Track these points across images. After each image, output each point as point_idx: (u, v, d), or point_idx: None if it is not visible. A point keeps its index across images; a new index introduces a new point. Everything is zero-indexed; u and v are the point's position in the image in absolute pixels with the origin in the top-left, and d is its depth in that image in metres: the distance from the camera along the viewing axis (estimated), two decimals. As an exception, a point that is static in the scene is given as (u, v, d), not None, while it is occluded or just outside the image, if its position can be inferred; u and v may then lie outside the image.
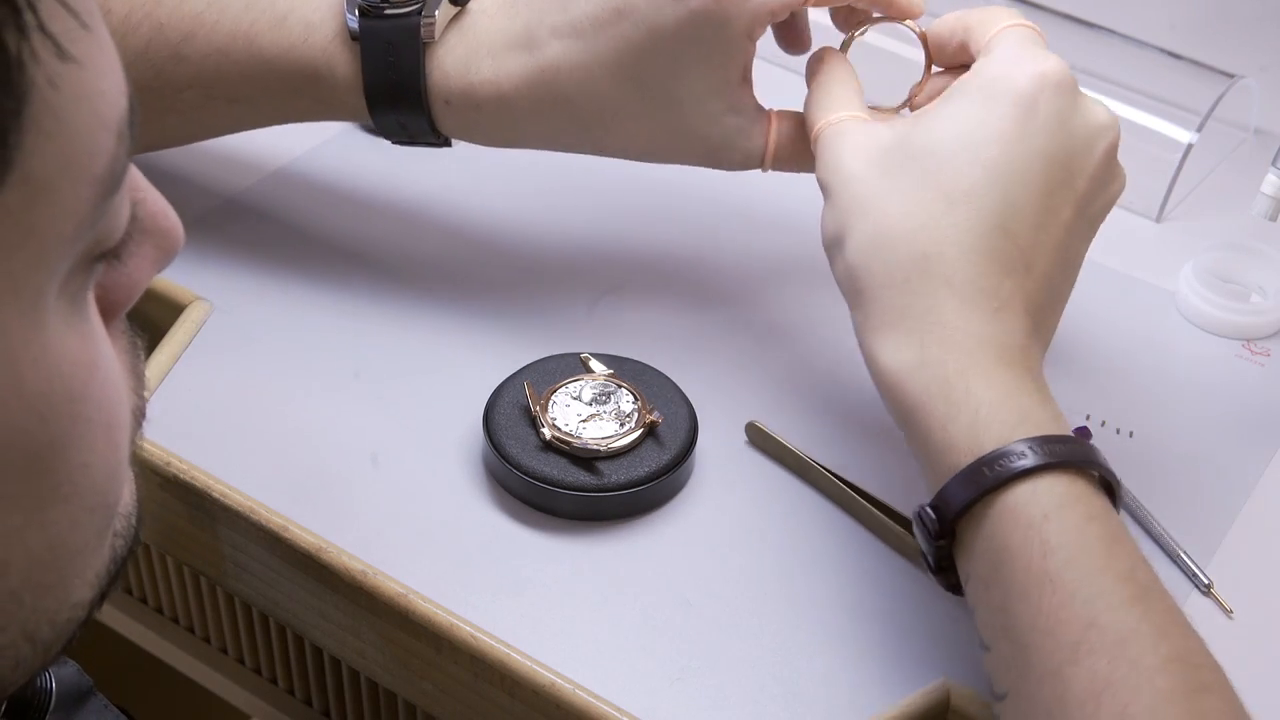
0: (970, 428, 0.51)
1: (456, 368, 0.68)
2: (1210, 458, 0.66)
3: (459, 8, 0.65)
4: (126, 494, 0.41)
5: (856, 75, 0.63)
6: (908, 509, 0.61)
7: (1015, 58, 0.57)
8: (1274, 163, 0.70)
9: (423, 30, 0.63)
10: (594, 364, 0.64)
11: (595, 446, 0.60)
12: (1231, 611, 0.59)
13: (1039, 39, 0.59)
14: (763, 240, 0.77)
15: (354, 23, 0.64)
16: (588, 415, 0.62)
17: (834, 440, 0.65)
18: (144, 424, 0.41)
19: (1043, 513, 0.48)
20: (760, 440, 0.65)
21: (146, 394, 0.41)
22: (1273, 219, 0.70)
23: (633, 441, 0.61)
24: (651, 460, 0.61)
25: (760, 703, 0.55)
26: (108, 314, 0.38)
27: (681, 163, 0.66)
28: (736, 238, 0.77)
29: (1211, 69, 0.82)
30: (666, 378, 0.65)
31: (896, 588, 0.59)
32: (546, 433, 0.61)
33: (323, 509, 0.60)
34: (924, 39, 0.63)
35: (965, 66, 0.60)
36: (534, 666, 0.55)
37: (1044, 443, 0.50)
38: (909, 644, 0.57)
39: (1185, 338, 0.72)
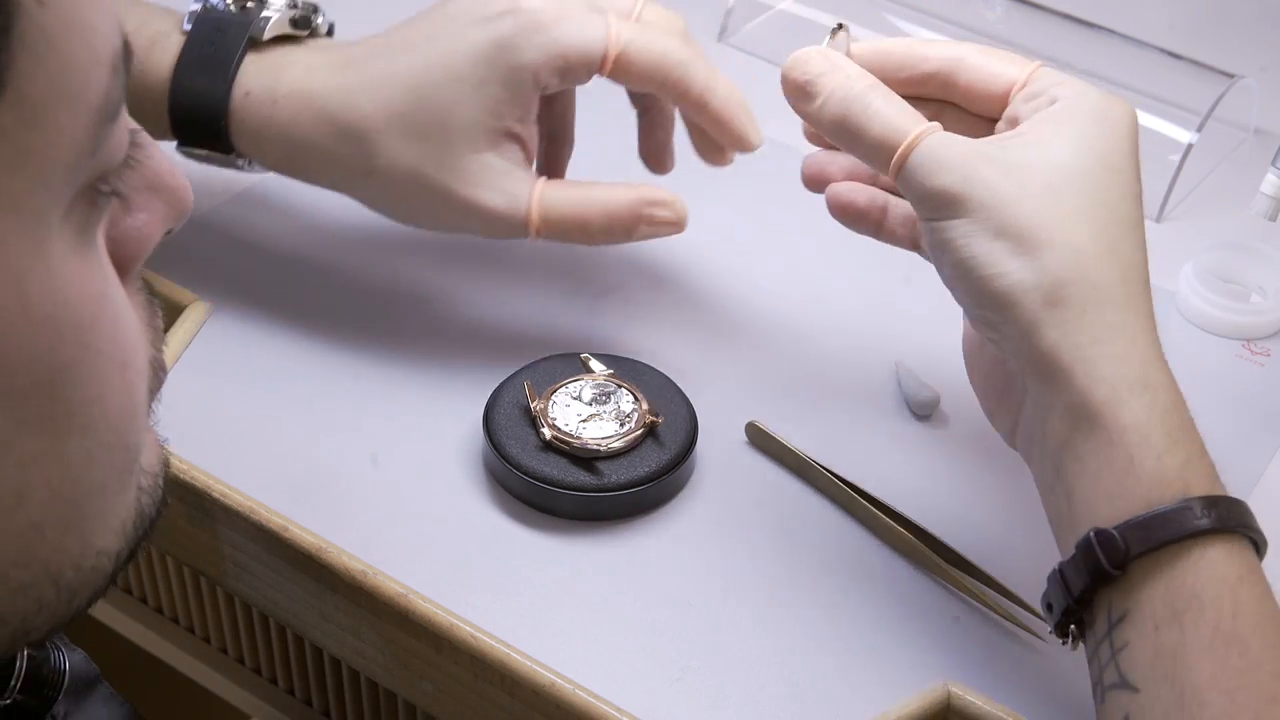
0: (1185, 466, 0.50)
1: (456, 368, 0.68)
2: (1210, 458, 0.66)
3: (301, 32, 0.66)
4: (150, 452, 0.42)
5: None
6: (907, 509, 0.61)
7: (1096, 91, 0.56)
8: (1274, 162, 0.70)
9: (254, 26, 0.65)
10: (594, 364, 0.64)
11: (595, 446, 0.60)
12: (1231, 611, 0.59)
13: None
14: (763, 240, 0.77)
15: (194, 6, 0.66)
16: (588, 415, 0.62)
17: (834, 440, 0.65)
18: (163, 383, 0.42)
19: (1238, 574, 0.48)
20: (760, 440, 0.65)
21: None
22: (1272, 219, 0.70)
23: (633, 441, 0.61)
24: (651, 460, 0.61)
25: (760, 703, 0.55)
26: (121, 268, 0.39)
27: (446, 217, 0.65)
28: (737, 237, 0.77)
29: (1211, 69, 0.82)
30: (666, 378, 0.65)
31: (896, 588, 0.59)
32: (546, 433, 0.61)
33: (323, 509, 0.60)
34: (635, 393, 0.63)
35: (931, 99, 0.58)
36: (534, 666, 0.55)
37: (1236, 504, 0.49)
38: (909, 644, 0.57)
39: (1185, 338, 0.72)
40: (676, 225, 0.63)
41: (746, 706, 0.55)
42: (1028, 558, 0.60)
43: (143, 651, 0.74)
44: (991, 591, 0.58)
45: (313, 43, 0.67)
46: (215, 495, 0.60)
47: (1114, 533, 0.49)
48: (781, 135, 0.85)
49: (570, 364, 0.65)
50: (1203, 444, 0.51)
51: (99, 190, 0.36)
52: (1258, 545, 0.50)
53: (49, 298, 0.35)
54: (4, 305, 0.34)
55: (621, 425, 0.61)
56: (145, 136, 0.40)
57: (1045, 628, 0.57)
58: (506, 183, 0.63)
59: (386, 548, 0.59)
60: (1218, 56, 0.84)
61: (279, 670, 0.70)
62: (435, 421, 0.65)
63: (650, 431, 0.62)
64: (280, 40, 0.66)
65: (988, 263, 0.52)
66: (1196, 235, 0.78)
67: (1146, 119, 0.82)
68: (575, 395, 0.63)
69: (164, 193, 0.41)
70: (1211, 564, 0.48)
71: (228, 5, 0.66)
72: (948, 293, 0.74)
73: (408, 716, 0.65)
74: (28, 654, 0.48)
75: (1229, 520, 0.48)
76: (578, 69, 0.63)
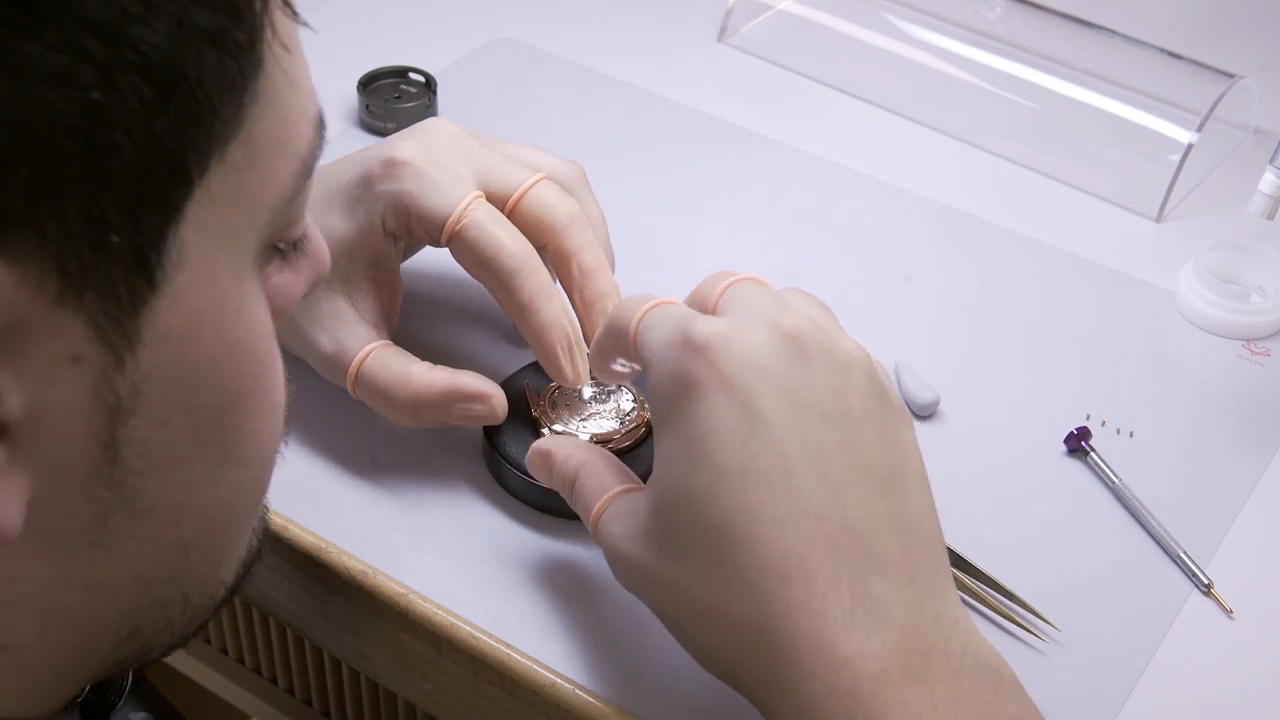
0: None
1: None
2: (1210, 458, 0.66)
3: None
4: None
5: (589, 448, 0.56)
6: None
7: (658, 355, 0.50)
8: (1272, 161, 0.70)
9: None
10: (594, 364, 0.64)
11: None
12: (1231, 611, 0.59)
13: (669, 312, 0.52)
14: (763, 240, 0.77)
15: None
16: (588, 414, 0.62)
17: (834, 440, 0.65)
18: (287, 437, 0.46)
19: None
20: (760, 440, 0.64)
21: None
22: (1271, 217, 0.71)
23: (633, 440, 0.61)
24: (652, 459, 0.61)
25: (760, 703, 0.55)
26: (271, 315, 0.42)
27: (288, 340, 0.61)
28: (737, 237, 0.77)
29: (1211, 69, 0.82)
30: (666, 378, 0.65)
31: (896, 588, 0.59)
32: (546, 433, 0.61)
33: (323, 509, 0.60)
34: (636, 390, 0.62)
35: None
36: (534, 666, 0.55)
37: None
38: (909, 644, 0.57)
39: (1185, 338, 0.72)
40: (491, 419, 0.60)
41: (746, 706, 0.54)
42: (1028, 558, 0.60)
43: (143, 651, 0.74)
44: (991, 591, 0.58)
45: None
46: (215, 495, 0.60)
47: None
48: (784, 136, 0.85)
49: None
50: None
51: (275, 245, 0.40)
52: None
53: (241, 326, 0.39)
54: (205, 326, 0.37)
55: (621, 424, 0.61)
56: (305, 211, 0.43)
57: (1045, 627, 0.57)
58: (342, 332, 0.61)
59: (386, 548, 0.59)
60: (1218, 56, 0.84)
61: (279, 670, 0.70)
62: (435, 421, 0.65)
63: (650, 430, 0.62)
64: None
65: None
66: (1196, 235, 0.78)
67: (1146, 119, 0.83)
68: (575, 395, 0.63)
69: (314, 260, 0.46)
70: None
71: None
72: (948, 293, 0.74)
73: (408, 716, 0.65)
74: None
75: None
76: (417, 228, 0.61)
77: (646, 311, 0.51)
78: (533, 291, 0.59)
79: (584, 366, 0.61)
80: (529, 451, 0.57)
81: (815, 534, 0.45)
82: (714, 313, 0.50)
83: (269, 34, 0.36)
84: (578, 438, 0.59)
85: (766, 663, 0.45)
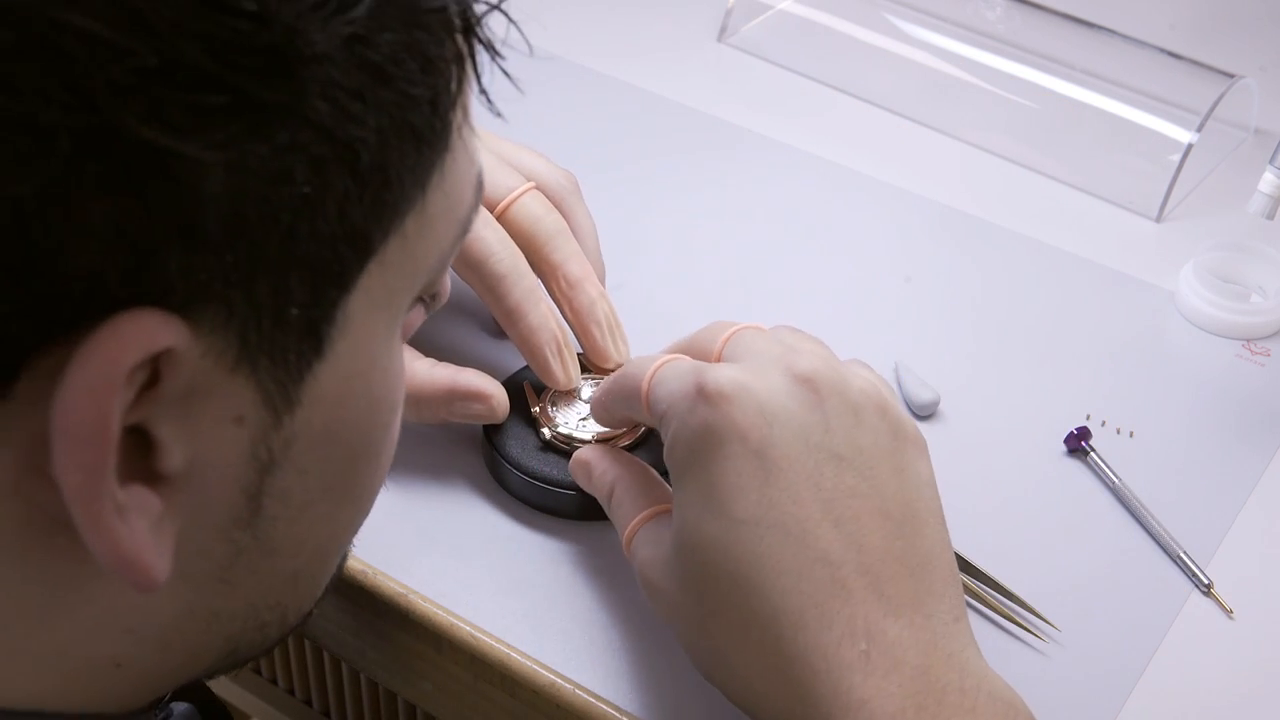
0: None
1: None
2: (1210, 458, 0.66)
3: None
4: None
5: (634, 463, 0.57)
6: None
7: (673, 414, 0.50)
8: (1272, 161, 0.70)
9: None
10: (594, 364, 0.64)
11: (595, 446, 0.60)
12: (1231, 611, 0.59)
13: (680, 369, 0.52)
14: (763, 239, 0.77)
15: None
16: (587, 414, 0.62)
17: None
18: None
19: None
20: (760, 440, 0.64)
21: None
22: (1270, 217, 0.70)
23: (633, 440, 0.61)
24: (652, 459, 0.61)
25: (760, 703, 0.55)
26: None
27: None
28: (737, 237, 0.77)
29: (1211, 69, 0.82)
30: (666, 378, 0.65)
31: (896, 588, 0.59)
32: (546, 433, 0.61)
33: (323, 509, 0.60)
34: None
35: None
36: (534, 666, 0.55)
37: None
38: (909, 644, 0.57)
39: (1185, 338, 0.72)
40: (491, 418, 0.61)
41: (746, 706, 0.55)
42: (1028, 558, 0.60)
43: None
44: (991, 591, 0.58)
45: None
46: (215, 495, 0.60)
47: None
48: (784, 136, 0.85)
49: (570, 364, 0.65)
50: None
51: (420, 297, 0.41)
52: None
53: (385, 383, 0.40)
54: (357, 385, 0.38)
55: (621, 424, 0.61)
56: None
57: (1045, 627, 0.57)
58: None
59: (386, 548, 0.59)
60: (1218, 56, 0.84)
61: (279, 670, 0.70)
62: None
63: (650, 430, 0.62)
64: None
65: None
66: (1196, 235, 0.78)
67: (1146, 119, 0.83)
68: (575, 394, 0.63)
69: (438, 295, 0.45)
70: None
71: None
72: (948, 293, 0.74)
73: (408, 716, 0.65)
74: None
75: None
76: None
77: (657, 369, 0.52)
78: (520, 296, 0.60)
79: (574, 369, 0.61)
80: (571, 460, 0.58)
81: (830, 580, 0.46)
82: (719, 361, 0.52)
83: (460, 118, 0.37)
84: (617, 449, 0.59)
85: (784, 705, 0.46)
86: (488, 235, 0.60)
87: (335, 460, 0.39)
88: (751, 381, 0.49)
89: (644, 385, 0.52)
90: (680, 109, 0.87)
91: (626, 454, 0.58)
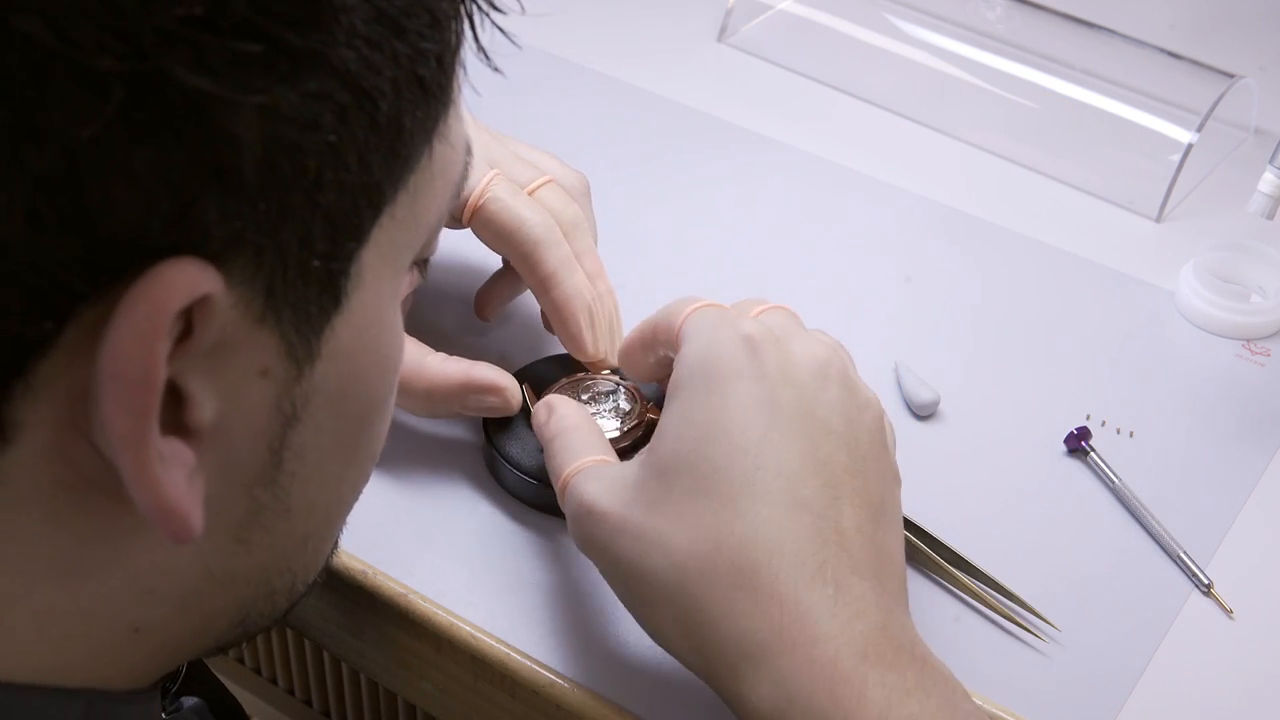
0: None
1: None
2: (1210, 458, 0.66)
3: None
4: None
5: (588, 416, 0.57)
6: (907, 509, 0.61)
7: (704, 337, 0.52)
8: (1272, 161, 0.70)
9: None
10: (594, 364, 0.64)
11: (595, 446, 0.60)
12: (1231, 611, 0.59)
13: (723, 310, 0.54)
14: (763, 239, 0.77)
15: None
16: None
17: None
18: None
19: None
20: (760, 440, 0.64)
21: None
22: (1270, 217, 0.71)
23: (633, 439, 0.61)
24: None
25: (760, 703, 0.55)
26: None
27: None
28: (737, 237, 0.77)
29: (1211, 69, 0.82)
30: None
31: (896, 588, 0.59)
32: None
33: (323, 509, 0.60)
34: (635, 391, 0.62)
35: None
36: (534, 666, 0.55)
37: None
38: (909, 644, 0.57)
39: (1185, 338, 0.72)
40: (505, 410, 0.61)
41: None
42: (1028, 558, 0.60)
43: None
44: (991, 591, 0.58)
45: None
46: (215, 495, 0.60)
47: None
48: (784, 136, 0.85)
49: (569, 363, 0.65)
50: None
51: (416, 260, 0.42)
52: None
53: (389, 340, 0.41)
54: (368, 340, 0.39)
55: (621, 423, 0.61)
56: None
57: (1045, 627, 0.57)
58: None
59: (386, 548, 0.59)
60: (1218, 56, 0.84)
61: (279, 670, 0.70)
62: (435, 421, 0.65)
63: (650, 429, 0.62)
64: None
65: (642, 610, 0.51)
66: (1196, 235, 0.78)
67: (1146, 119, 0.83)
68: (574, 394, 0.63)
69: (427, 260, 0.46)
70: None
71: None
72: (948, 293, 0.74)
73: (408, 716, 0.65)
74: None
75: None
76: None
77: (696, 309, 0.54)
78: (556, 264, 0.61)
79: (604, 341, 0.63)
80: (538, 402, 0.58)
81: (811, 528, 0.47)
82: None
83: (460, 77, 0.39)
84: (584, 406, 0.59)
85: (742, 628, 0.46)
86: (519, 205, 0.61)
87: (347, 417, 0.40)
88: (786, 339, 0.52)
89: (680, 318, 0.54)
90: (680, 109, 0.87)
91: (590, 416, 0.57)
